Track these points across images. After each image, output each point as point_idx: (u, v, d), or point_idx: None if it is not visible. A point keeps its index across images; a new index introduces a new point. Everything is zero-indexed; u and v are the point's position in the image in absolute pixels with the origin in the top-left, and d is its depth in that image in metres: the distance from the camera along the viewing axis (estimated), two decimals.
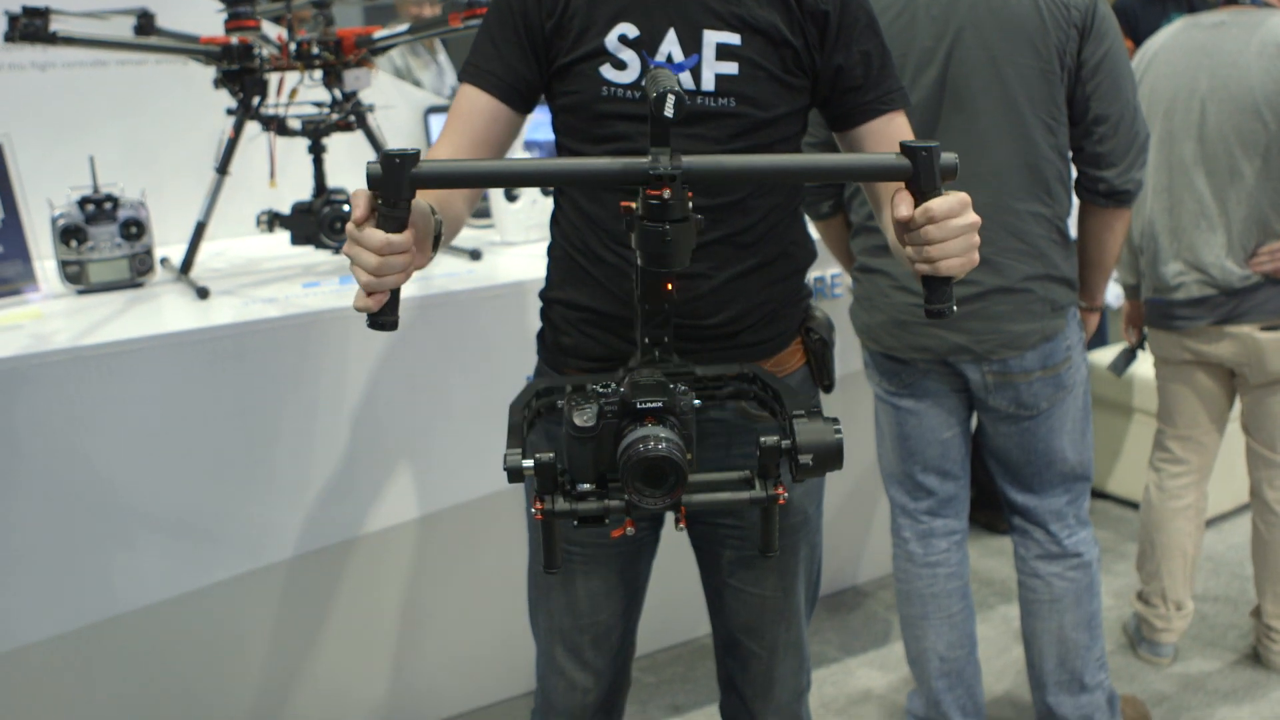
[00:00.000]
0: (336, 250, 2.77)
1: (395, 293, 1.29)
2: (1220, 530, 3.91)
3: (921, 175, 1.29)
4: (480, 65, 1.67)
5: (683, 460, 1.09)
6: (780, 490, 1.15)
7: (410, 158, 1.23)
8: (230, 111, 2.70)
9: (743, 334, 1.70)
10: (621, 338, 1.68)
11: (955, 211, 1.30)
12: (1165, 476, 3.09)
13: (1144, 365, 3.46)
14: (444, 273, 2.74)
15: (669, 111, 1.15)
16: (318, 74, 2.75)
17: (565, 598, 1.82)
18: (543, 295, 1.83)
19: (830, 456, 1.13)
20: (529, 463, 1.12)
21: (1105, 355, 4.08)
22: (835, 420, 1.13)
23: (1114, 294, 4.20)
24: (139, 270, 2.66)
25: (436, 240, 1.40)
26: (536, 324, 1.87)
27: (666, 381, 1.16)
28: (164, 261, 2.81)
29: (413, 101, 3.46)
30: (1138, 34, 4.23)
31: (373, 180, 1.25)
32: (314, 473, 2.56)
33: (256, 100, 2.69)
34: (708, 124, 1.62)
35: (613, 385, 1.15)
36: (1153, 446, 3.14)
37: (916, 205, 1.31)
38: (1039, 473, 2.57)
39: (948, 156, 1.30)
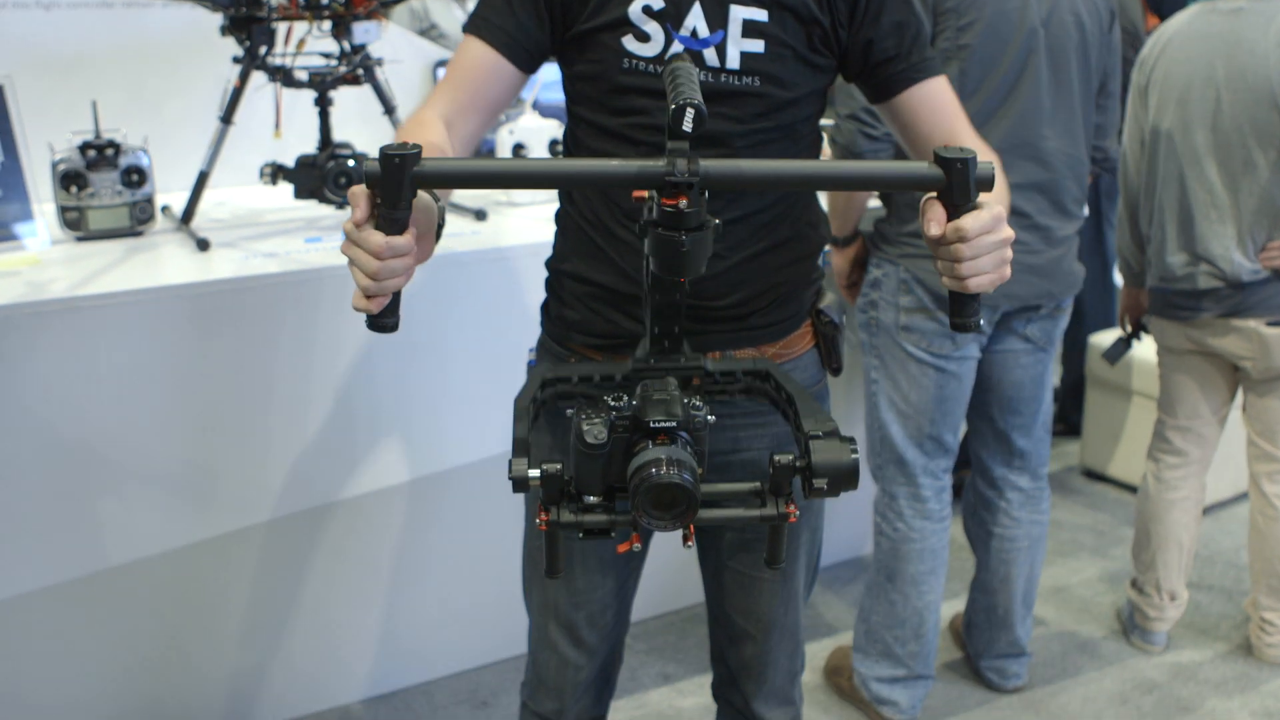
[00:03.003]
0: (340, 205, 2.74)
1: (396, 294, 1.24)
2: (1217, 519, 3.90)
3: (955, 188, 1.22)
4: (490, 19, 1.61)
5: (695, 487, 1.05)
6: (791, 508, 1.12)
7: (412, 157, 1.16)
8: (237, 60, 2.65)
9: (753, 316, 1.67)
10: (631, 316, 1.65)
11: (988, 228, 1.24)
12: (1164, 468, 3.07)
13: (1144, 348, 3.45)
14: (448, 232, 2.67)
15: (688, 126, 1.11)
16: (326, 25, 2.70)
17: (561, 575, 1.80)
18: (549, 265, 1.79)
19: (845, 478, 1.10)
20: (535, 473, 1.09)
21: (1108, 339, 4.05)
22: (851, 440, 1.10)
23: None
24: (139, 219, 2.62)
25: (440, 229, 1.35)
26: (540, 288, 1.83)
27: (680, 396, 1.12)
28: (165, 210, 2.77)
29: (422, 56, 3.41)
30: (1162, 10, 4.17)
31: (371, 179, 1.18)
32: (310, 432, 2.54)
33: (263, 50, 2.64)
34: (731, 103, 1.58)
35: (625, 398, 1.11)
36: (1152, 436, 3.13)
37: (949, 219, 1.25)
38: (1037, 409, 2.78)
39: (984, 166, 1.23)
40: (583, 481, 1.11)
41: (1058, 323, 2.72)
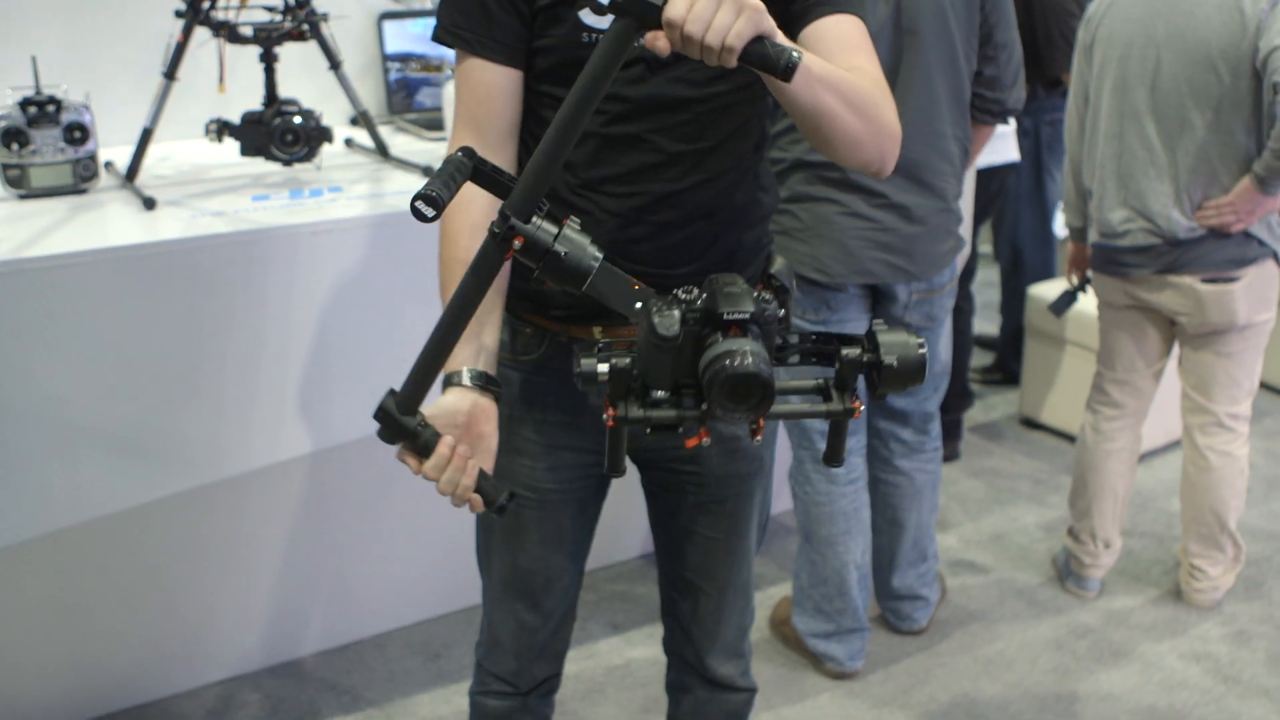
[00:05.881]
0: (286, 163, 2.71)
1: (482, 474, 1.39)
2: (1149, 466, 4.00)
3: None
4: (475, 30, 1.58)
5: (771, 377, 1.03)
6: (856, 404, 1.10)
7: (383, 409, 1.41)
8: (179, 14, 2.62)
9: None
10: None
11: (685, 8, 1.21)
12: (1101, 419, 3.15)
13: (1084, 300, 3.52)
14: (397, 190, 2.69)
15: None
16: None
17: (517, 542, 1.82)
18: None
19: (913, 370, 1.07)
20: (604, 368, 1.07)
21: (1048, 290, 4.12)
22: (918, 333, 1.08)
23: (1060, 223, 4.24)
24: (83, 176, 2.60)
25: (493, 382, 1.57)
26: None
27: (749, 289, 1.09)
28: (108, 165, 2.74)
29: (367, 8, 3.36)
30: None
31: (383, 437, 1.44)
32: (260, 391, 2.54)
33: (206, 4, 2.60)
34: (688, 65, 1.58)
35: (695, 290, 1.08)
36: (1091, 389, 3.20)
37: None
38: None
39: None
40: (651, 376, 1.08)
41: (937, 303, 2.70)
